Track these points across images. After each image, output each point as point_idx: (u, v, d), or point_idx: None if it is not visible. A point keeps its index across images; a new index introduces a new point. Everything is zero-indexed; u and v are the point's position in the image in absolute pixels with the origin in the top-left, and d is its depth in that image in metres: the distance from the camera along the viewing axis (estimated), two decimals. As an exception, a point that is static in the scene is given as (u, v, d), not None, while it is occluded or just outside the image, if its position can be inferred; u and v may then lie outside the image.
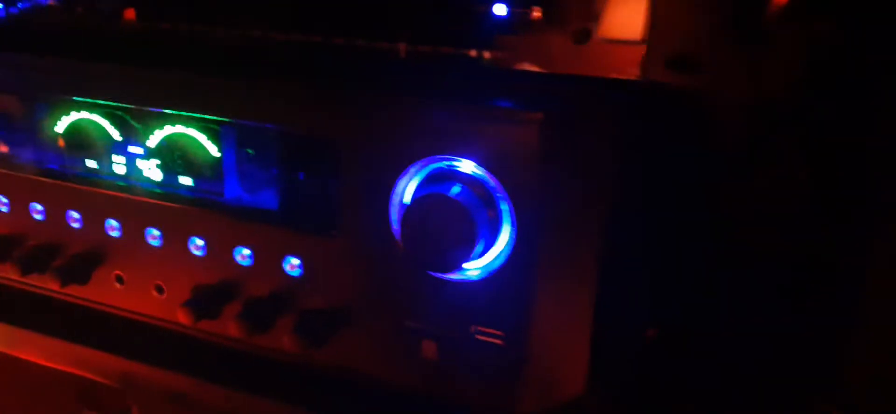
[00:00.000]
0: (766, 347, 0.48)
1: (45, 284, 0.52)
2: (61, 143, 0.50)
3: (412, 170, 0.40)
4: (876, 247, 0.41)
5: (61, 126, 0.50)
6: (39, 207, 0.52)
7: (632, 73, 0.36)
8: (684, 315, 0.50)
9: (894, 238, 0.41)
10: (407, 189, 0.41)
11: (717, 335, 0.49)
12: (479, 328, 0.41)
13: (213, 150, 0.46)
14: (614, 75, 0.37)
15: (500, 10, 0.38)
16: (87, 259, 0.51)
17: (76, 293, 0.53)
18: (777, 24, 0.41)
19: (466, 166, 0.39)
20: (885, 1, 0.41)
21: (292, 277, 0.45)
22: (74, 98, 0.49)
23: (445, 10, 0.40)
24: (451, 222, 0.37)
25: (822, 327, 0.47)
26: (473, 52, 0.41)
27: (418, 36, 0.42)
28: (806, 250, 0.45)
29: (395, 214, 0.41)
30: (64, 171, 0.51)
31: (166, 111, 0.46)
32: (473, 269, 0.41)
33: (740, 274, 0.47)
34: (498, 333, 0.41)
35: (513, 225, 0.39)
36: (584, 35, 0.37)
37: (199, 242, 0.47)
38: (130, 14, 0.50)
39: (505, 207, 0.39)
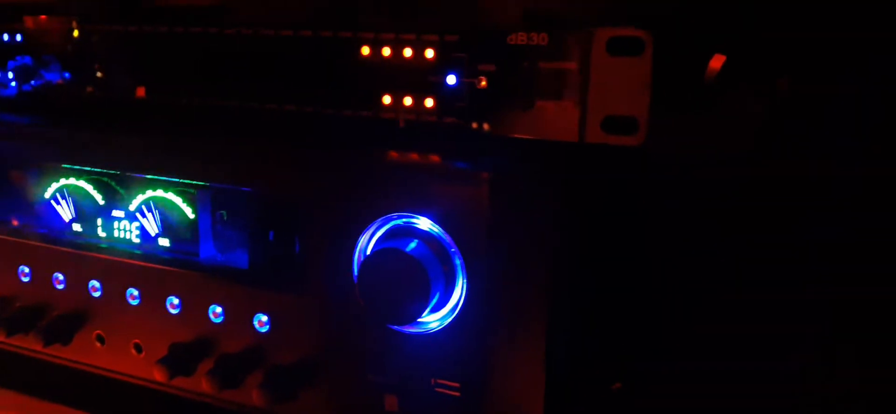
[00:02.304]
0: (730, 396, 0.49)
1: (29, 345, 0.54)
2: (49, 207, 0.53)
3: (373, 227, 0.43)
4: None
5: (49, 191, 0.53)
6: (26, 270, 0.55)
7: (571, 134, 0.39)
8: (647, 368, 0.51)
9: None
10: (369, 245, 0.43)
11: (682, 388, 0.50)
12: (439, 380, 0.43)
13: (190, 213, 0.48)
14: (555, 137, 0.40)
15: (451, 79, 0.42)
16: (69, 320, 0.53)
17: (59, 353, 0.55)
18: (713, 87, 0.43)
19: (423, 223, 0.41)
20: (816, 68, 0.45)
21: (261, 334, 0.47)
22: (62, 165, 0.52)
23: (407, 82, 0.43)
24: (404, 276, 0.39)
25: (781, 375, 0.49)
26: (432, 118, 0.43)
27: (382, 105, 0.45)
28: (753, 298, 0.46)
29: (357, 270, 0.43)
30: (50, 234, 0.54)
31: (146, 176, 0.49)
32: (432, 322, 0.43)
33: (695, 324, 0.49)
34: (455, 384, 0.43)
35: (465, 278, 0.41)
36: (527, 102, 0.40)
37: (176, 301, 0.49)
38: (141, 92, 0.52)
39: (458, 262, 0.41)
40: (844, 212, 0.45)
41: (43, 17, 0.55)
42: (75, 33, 0.53)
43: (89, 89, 0.54)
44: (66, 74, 0.55)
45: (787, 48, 0.45)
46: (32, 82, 0.55)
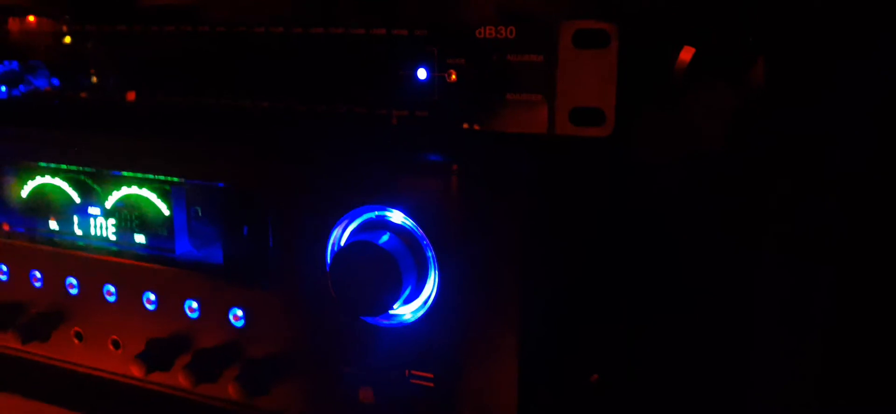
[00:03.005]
0: (702, 391, 0.50)
1: (7, 343, 0.54)
2: (26, 205, 0.53)
3: (346, 220, 0.43)
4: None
5: (26, 190, 0.53)
6: (3, 268, 0.55)
7: (540, 126, 0.40)
8: (627, 361, 0.51)
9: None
10: (342, 239, 0.43)
11: (657, 380, 0.51)
12: (413, 371, 0.43)
13: (165, 209, 0.49)
14: (525, 129, 0.40)
15: (422, 74, 0.42)
16: (47, 317, 0.53)
17: (37, 351, 0.55)
18: (682, 80, 0.44)
19: (396, 216, 0.42)
20: (784, 65, 0.45)
21: (237, 328, 0.47)
22: (39, 163, 0.52)
23: (379, 76, 0.44)
24: (375, 268, 0.40)
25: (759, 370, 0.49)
26: (404, 112, 0.44)
27: (355, 100, 0.45)
28: (721, 289, 0.47)
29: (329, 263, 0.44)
30: (27, 233, 0.54)
31: (121, 173, 0.49)
32: (405, 314, 0.43)
33: (673, 315, 0.49)
34: (429, 375, 0.43)
35: (437, 270, 0.41)
36: (497, 95, 0.40)
37: (152, 297, 0.50)
38: (132, 96, 0.52)
39: (430, 254, 0.41)
40: (826, 206, 0.46)
41: (30, 18, 0.54)
42: (67, 39, 0.52)
43: (83, 95, 0.53)
44: (55, 80, 0.54)
45: (761, 38, 0.46)
46: (21, 87, 0.54)
